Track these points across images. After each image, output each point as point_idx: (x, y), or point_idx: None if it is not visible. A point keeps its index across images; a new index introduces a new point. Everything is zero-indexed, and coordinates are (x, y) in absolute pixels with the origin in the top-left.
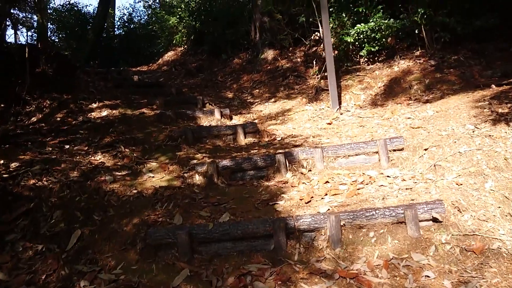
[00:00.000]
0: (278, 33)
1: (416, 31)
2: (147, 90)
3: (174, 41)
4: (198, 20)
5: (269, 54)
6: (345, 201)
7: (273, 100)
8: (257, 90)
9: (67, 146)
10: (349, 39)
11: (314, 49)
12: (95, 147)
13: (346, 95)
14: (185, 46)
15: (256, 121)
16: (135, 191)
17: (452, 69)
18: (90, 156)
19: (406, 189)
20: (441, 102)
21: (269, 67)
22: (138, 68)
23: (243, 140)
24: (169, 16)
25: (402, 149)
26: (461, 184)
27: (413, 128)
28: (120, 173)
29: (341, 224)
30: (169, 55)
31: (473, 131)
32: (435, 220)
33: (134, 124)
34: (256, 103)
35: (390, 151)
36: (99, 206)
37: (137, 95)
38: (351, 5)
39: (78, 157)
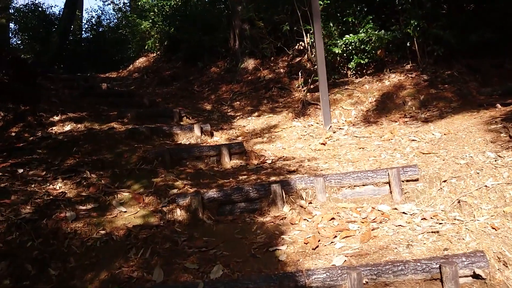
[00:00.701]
0: (260, 42)
1: (408, 44)
2: (117, 101)
3: (146, 47)
4: (172, 25)
5: (250, 63)
6: (361, 248)
7: (256, 114)
8: (238, 103)
9: (20, 171)
10: (337, 50)
11: (298, 59)
12: (55, 171)
13: (335, 110)
14: (158, 52)
15: (240, 138)
16: (103, 232)
17: (447, 85)
18: (49, 184)
19: (432, 232)
20: (445, 123)
21: (250, 78)
22: (107, 75)
23: (228, 162)
24: (141, 20)
25: (417, 180)
26: (498, 229)
27: (423, 153)
28: (84, 207)
29: (364, 281)
30: (140, 61)
31: (496, 160)
32: (476, 276)
33: (102, 142)
34: (237, 117)
35: (403, 181)
36: (57, 254)
37: (106, 106)
38: (338, 15)
39: (33, 186)
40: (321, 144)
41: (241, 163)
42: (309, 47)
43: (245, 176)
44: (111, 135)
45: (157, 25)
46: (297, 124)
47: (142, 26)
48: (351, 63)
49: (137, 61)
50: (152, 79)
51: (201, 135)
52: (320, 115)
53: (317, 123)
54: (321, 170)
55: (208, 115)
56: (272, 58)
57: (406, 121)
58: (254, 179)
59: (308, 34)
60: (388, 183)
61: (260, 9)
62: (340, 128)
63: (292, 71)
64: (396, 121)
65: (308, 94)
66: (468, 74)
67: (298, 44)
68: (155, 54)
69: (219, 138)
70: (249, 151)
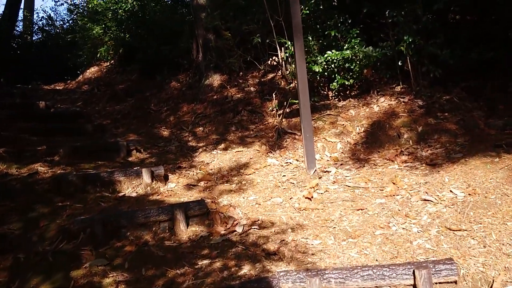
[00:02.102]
0: (227, 55)
1: (400, 63)
2: (55, 126)
3: (98, 55)
4: (128, 31)
5: (215, 79)
6: None
7: (222, 145)
8: (201, 128)
9: None
10: (317, 69)
11: (271, 76)
12: None
13: (318, 142)
14: (112, 62)
15: (202, 183)
16: None
17: (447, 113)
18: None
19: None
20: (460, 171)
21: (215, 97)
22: (53, 86)
23: (184, 231)
24: (93, 25)
25: (454, 283)
26: None
27: (450, 229)
28: None
29: None
30: (91, 71)
31: None
32: None
33: (15, 198)
34: (200, 149)
35: (435, 283)
36: None
37: (37, 135)
38: (318, 27)
39: None
40: (306, 198)
41: (202, 232)
42: (283, 62)
43: (207, 261)
44: (30, 185)
45: (110, 31)
46: (273, 162)
47: (94, 31)
48: (334, 83)
49: (88, 70)
50: (104, 94)
51: (152, 181)
52: (302, 152)
53: (297, 160)
54: (312, 254)
55: (164, 145)
56: (241, 73)
57: (406, 161)
58: (220, 268)
59: (282, 48)
60: (414, 286)
61: (227, 17)
62: (327, 171)
63: (264, 90)
64: (392, 160)
65: (284, 120)
66: (469, 100)
67: (271, 59)
68: (108, 64)
69: (176, 184)
70: (213, 211)
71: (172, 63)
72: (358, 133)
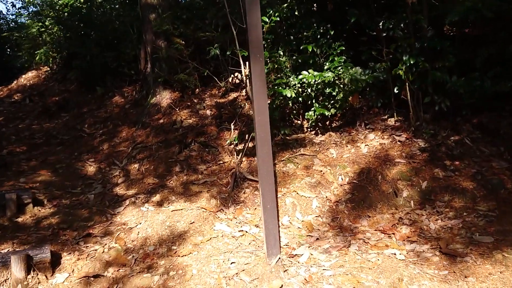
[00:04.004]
0: (179, 67)
1: (396, 90)
2: None
3: (37, 57)
4: (69, 31)
5: (164, 97)
6: None
7: (158, 197)
8: (137, 166)
9: None
10: (288, 93)
11: (233, 95)
12: None
13: (286, 198)
14: (54, 66)
15: (110, 272)
16: None
17: (459, 162)
18: None
19: None
20: (501, 282)
21: (161, 121)
22: None
23: None
24: (32, 22)
25: None
26: None
27: None
28: None
29: None
30: (28, 77)
31: None
32: None
33: None
34: (127, 202)
35: None
36: None
37: None
38: (292, 38)
39: None
40: None
41: None
42: (248, 80)
43: None
44: None
45: (49, 31)
46: (223, 230)
47: (34, 30)
48: (310, 113)
49: (24, 76)
50: (35, 106)
51: (28, 274)
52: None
53: (256, 226)
54: None
55: (81, 191)
56: (197, 91)
57: (408, 239)
58: None
59: (247, 63)
60: None
61: (180, 20)
62: (295, 255)
63: (223, 115)
64: (388, 233)
65: (244, 159)
66: (484, 142)
67: (233, 77)
68: (48, 69)
69: (69, 275)
70: None
71: (116, 73)
72: (341, 185)
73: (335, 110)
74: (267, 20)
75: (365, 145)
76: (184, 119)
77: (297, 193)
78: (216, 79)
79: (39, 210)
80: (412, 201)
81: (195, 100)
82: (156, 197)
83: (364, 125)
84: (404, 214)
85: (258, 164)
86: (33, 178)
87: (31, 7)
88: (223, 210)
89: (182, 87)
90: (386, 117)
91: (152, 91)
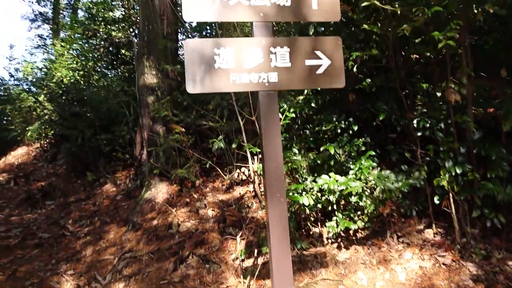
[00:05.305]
0: (178, 156)
1: (437, 200)
2: None
3: (28, 133)
4: (61, 109)
5: (160, 191)
6: None
7: None
8: (122, 285)
9: None
10: (306, 201)
11: (238, 191)
12: None
13: None
14: (45, 144)
15: None
16: None
17: None
18: None
19: None
20: None
21: (155, 222)
22: None
23: None
24: (26, 94)
25: None
26: None
27: None
28: None
29: None
30: (17, 155)
31: None
32: None
33: None
34: None
35: None
36: None
37: None
38: (308, 133)
39: None
40: None
41: None
42: (256, 177)
43: None
44: None
45: (42, 106)
46: None
47: (28, 104)
48: (331, 224)
49: (13, 153)
50: (19, 190)
51: None
52: None
53: None
54: None
55: None
56: (198, 183)
57: None
58: None
59: (255, 158)
60: None
61: (179, 106)
62: None
63: (227, 218)
64: None
65: (253, 282)
66: None
67: (239, 172)
68: (39, 146)
69: None
70: None
71: (111, 157)
72: None
73: (362, 223)
74: (281, 116)
75: (402, 268)
76: (182, 222)
77: None
78: (219, 170)
79: None
80: None
81: (195, 196)
82: None
83: (397, 237)
84: None
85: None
86: None
87: (29, 77)
88: None
89: (181, 179)
90: (422, 227)
91: (147, 183)
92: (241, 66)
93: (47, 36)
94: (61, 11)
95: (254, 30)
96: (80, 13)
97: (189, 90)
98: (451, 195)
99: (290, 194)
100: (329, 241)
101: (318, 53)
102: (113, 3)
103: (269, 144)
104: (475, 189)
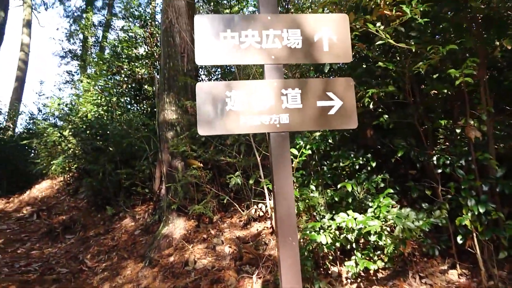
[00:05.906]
0: (196, 192)
1: (460, 240)
2: None
3: (52, 168)
4: (83, 144)
5: (178, 226)
6: None
7: None
8: None
9: None
10: (323, 240)
11: (256, 227)
12: None
13: None
14: (68, 178)
15: None
16: None
17: None
18: None
19: None
20: None
21: (172, 258)
22: None
23: None
24: (52, 129)
25: None
26: None
27: None
28: None
29: None
30: (41, 188)
31: None
32: None
33: None
34: None
35: None
36: None
37: None
38: (326, 170)
39: None
40: None
41: None
42: (273, 214)
43: None
44: None
45: (66, 141)
46: None
47: (53, 138)
48: (350, 264)
49: (38, 186)
50: (41, 223)
51: None
52: None
53: None
54: None
55: None
56: (215, 219)
57: None
58: None
59: (272, 194)
60: None
61: (197, 143)
62: None
63: (243, 255)
64: None
65: None
66: None
67: (256, 209)
68: (62, 180)
69: None
70: None
71: (130, 191)
72: None
73: (382, 263)
74: (297, 153)
75: None
76: (198, 259)
77: None
78: (237, 206)
79: None
80: None
81: (213, 232)
82: None
83: (419, 278)
84: None
85: None
86: None
87: (56, 112)
88: None
89: (198, 215)
90: (446, 267)
91: (165, 218)
92: (253, 108)
93: (75, 72)
94: (89, 48)
95: (265, 72)
96: (107, 50)
97: (200, 132)
98: (475, 234)
99: (307, 232)
100: (349, 281)
101: (330, 94)
102: (137, 41)
103: (280, 186)
104: (501, 229)
